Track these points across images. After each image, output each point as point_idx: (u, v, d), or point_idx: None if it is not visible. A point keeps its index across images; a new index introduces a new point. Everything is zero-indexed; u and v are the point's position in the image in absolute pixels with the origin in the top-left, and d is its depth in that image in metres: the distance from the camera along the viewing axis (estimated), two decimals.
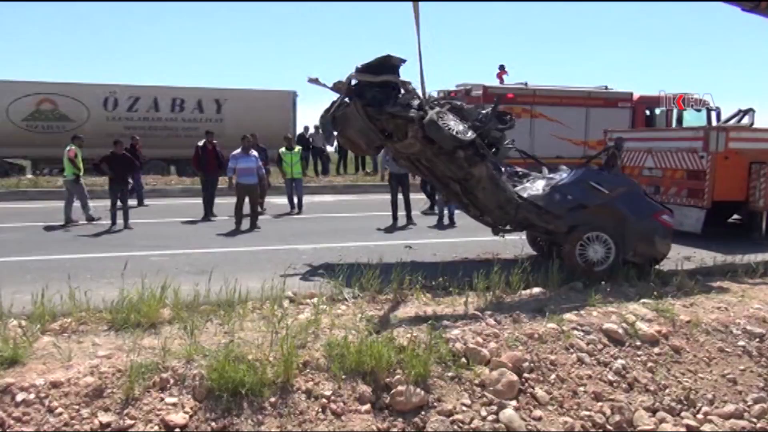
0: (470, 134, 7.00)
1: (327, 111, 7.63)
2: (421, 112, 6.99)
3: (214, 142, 12.65)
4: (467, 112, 7.66)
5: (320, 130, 7.63)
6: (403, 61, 7.24)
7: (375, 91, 7.21)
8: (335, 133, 7.76)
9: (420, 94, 7.18)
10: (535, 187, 7.41)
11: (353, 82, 7.22)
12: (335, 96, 7.52)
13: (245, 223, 10.84)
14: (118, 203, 10.91)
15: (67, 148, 11.59)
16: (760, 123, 11.37)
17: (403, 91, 7.35)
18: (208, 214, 12.15)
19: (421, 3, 6.48)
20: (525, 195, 7.18)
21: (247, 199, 10.93)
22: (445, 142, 6.84)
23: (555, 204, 7.07)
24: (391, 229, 10.79)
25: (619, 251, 7.06)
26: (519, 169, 8.22)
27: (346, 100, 7.38)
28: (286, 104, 21.76)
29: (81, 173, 11.57)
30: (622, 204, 7.16)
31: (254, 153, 11.40)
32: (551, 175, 7.73)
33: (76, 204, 11.36)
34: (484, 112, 7.73)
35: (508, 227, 7.63)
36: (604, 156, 8.07)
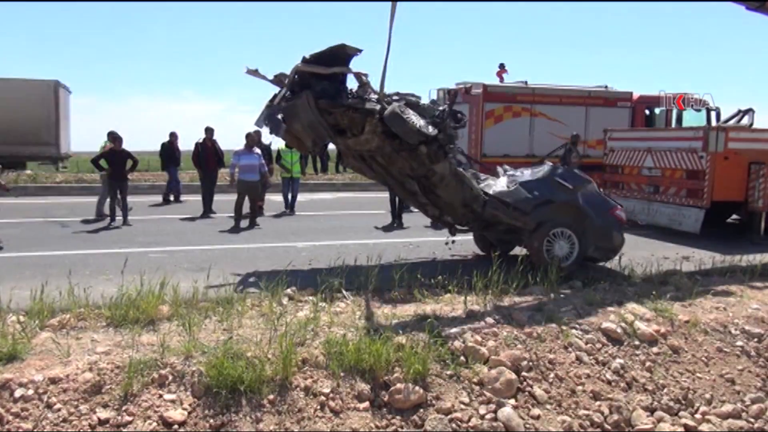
0: (432, 129, 6.75)
1: (270, 103, 7.13)
2: (379, 106, 6.69)
3: (214, 138, 12.63)
4: (424, 109, 7.29)
5: (264, 121, 6.98)
6: (359, 51, 6.85)
7: (324, 83, 6.83)
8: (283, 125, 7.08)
9: (377, 88, 6.76)
10: (500, 183, 7.32)
11: (297, 75, 6.76)
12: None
13: (245, 222, 10.80)
14: (118, 199, 10.88)
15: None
16: (760, 123, 11.38)
17: (357, 83, 6.98)
18: (207, 211, 12.15)
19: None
20: (490, 192, 7.08)
21: (247, 197, 10.89)
22: (409, 137, 6.58)
23: (522, 200, 7.05)
24: (390, 227, 10.79)
25: (582, 247, 7.16)
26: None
27: (288, 93, 6.93)
28: (47, 95, 19.75)
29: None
30: (584, 200, 7.26)
31: (257, 150, 11.34)
32: (512, 172, 7.65)
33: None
34: (441, 108, 7.39)
35: (466, 227, 7.55)
36: (561, 151, 8.06)
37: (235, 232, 10.22)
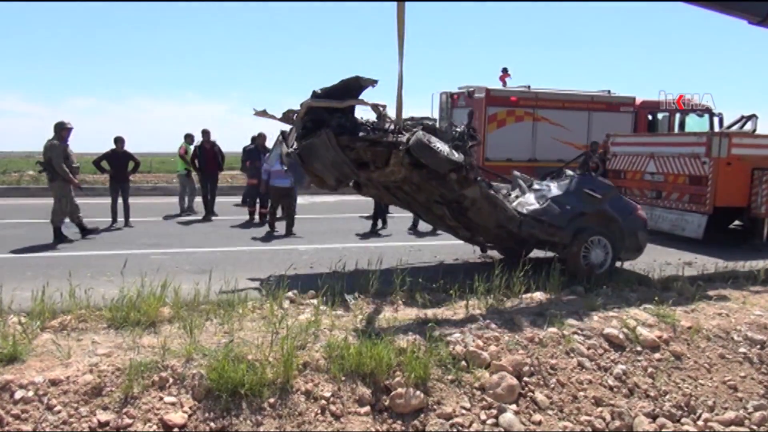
0: (458, 155, 6.60)
1: (280, 140, 6.95)
2: (403, 136, 6.51)
3: (213, 141, 12.46)
4: (442, 132, 7.15)
5: (286, 170, 6.68)
6: (375, 82, 6.67)
7: (339, 117, 6.62)
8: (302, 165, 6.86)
9: (394, 116, 6.62)
10: (529, 200, 7.31)
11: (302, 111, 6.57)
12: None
13: (279, 227, 10.37)
14: (119, 201, 10.90)
15: (180, 145, 12.88)
16: (763, 129, 11.36)
17: (375, 114, 6.79)
18: (209, 213, 12.14)
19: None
20: (524, 211, 7.06)
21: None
22: (439, 166, 6.41)
23: (557, 216, 7.07)
24: (392, 230, 10.77)
25: (615, 252, 7.25)
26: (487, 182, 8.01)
27: (301, 131, 6.74)
28: None
29: (191, 169, 12.67)
30: (611, 206, 7.35)
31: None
32: (537, 186, 7.65)
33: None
34: (459, 130, 7.25)
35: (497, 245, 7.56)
36: (581, 159, 8.05)
37: (236, 235, 10.22)
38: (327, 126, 6.54)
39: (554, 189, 7.41)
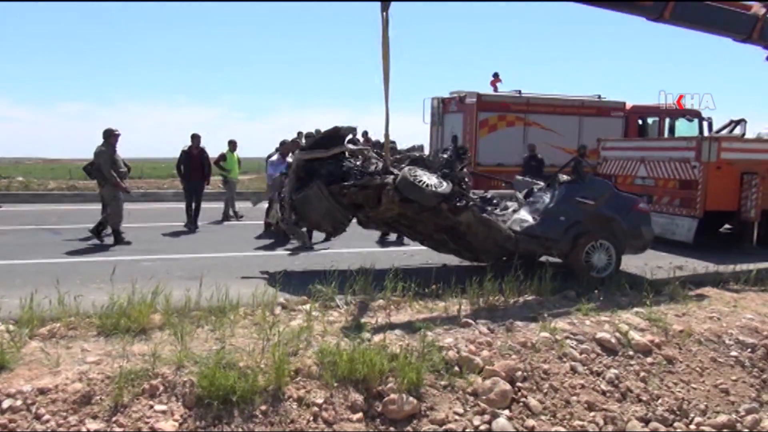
0: (446, 185, 6.79)
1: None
2: (389, 176, 6.78)
3: (201, 146, 11.60)
4: (431, 161, 7.52)
5: (282, 218, 7.21)
6: (354, 129, 7.10)
7: (329, 166, 7.02)
8: (293, 217, 7.35)
9: (383, 153, 6.99)
10: (522, 216, 7.29)
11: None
12: None
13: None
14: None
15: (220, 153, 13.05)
16: (752, 133, 11.45)
17: (360, 158, 7.19)
18: (191, 223, 11.31)
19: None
20: (518, 228, 7.07)
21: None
22: (428, 200, 6.62)
23: (551, 230, 7.09)
24: (383, 235, 10.73)
25: (618, 251, 7.26)
26: (478, 194, 8.11)
27: (297, 183, 7.18)
28: None
29: (229, 175, 12.92)
30: (608, 208, 7.32)
31: (290, 160, 10.30)
32: (532, 199, 7.64)
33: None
34: (445, 156, 7.54)
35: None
36: (572, 164, 8.03)
37: (227, 241, 10.16)
38: (317, 177, 6.99)
39: (547, 200, 7.37)
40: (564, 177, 7.86)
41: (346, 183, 6.88)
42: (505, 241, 6.96)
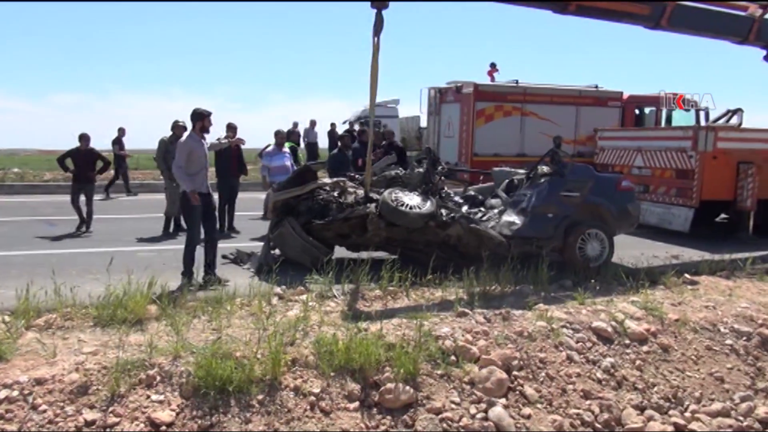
0: (429, 203, 6.86)
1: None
2: (371, 204, 6.86)
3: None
4: (409, 177, 7.60)
5: (265, 261, 7.04)
6: (324, 164, 7.44)
7: (305, 201, 7.14)
8: (274, 252, 7.20)
9: (364, 182, 7.15)
10: (511, 219, 7.18)
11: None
12: None
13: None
14: (83, 201, 9.96)
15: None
16: (749, 123, 11.45)
17: (337, 189, 7.33)
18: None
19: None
20: (509, 233, 6.99)
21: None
22: (413, 223, 6.68)
23: (542, 229, 7.06)
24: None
25: (610, 237, 7.29)
26: (453, 194, 8.12)
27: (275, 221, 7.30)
28: None
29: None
30: (593, 195, 7.32)
31: (287, 150, 10.24)
32: (513, 200, 7.52)
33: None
34: (422, 170, 7.62)
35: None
36: (550, 156, 7.85)
37: (222, 232, 10.13)
38: (295, 215, 7.11)
39: (533, 199, 7.22)
40: (544, 168, 7.71)
41: (328, 219, 6.94)
42: (498, 247, 6.90)
